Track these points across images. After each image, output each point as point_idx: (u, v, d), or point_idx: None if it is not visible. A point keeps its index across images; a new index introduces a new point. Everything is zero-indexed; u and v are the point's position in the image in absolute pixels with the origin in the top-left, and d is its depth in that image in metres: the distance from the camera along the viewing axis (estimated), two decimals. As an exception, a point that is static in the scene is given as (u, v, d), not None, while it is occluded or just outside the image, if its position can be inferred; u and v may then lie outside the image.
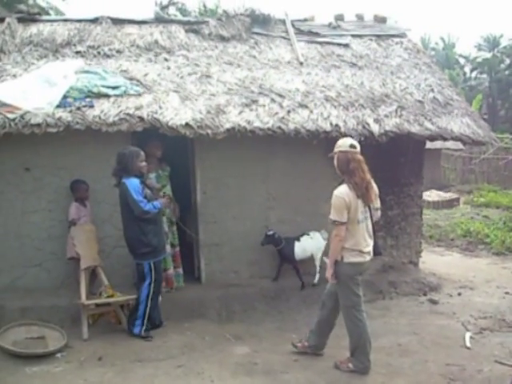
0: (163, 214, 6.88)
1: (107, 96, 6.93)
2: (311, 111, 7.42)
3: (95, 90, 6.93)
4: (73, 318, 6.48)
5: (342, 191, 5.15)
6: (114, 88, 7.05)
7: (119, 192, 6.06)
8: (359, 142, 6.96)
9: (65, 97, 6.75)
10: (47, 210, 7.12)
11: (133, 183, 5.96)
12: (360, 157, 5.25)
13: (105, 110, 6.69)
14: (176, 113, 6.84)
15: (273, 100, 7.49)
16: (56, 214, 7.13)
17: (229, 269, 7.80)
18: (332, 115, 7.41)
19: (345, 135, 7.05)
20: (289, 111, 7.32)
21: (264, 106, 7.34)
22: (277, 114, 7.23)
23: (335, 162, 5.28)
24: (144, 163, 6.15)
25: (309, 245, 7.63)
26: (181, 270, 7.51)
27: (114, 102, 6.88)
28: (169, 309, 6.84)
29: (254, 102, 7.38)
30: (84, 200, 7.02)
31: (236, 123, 6.90)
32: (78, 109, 6.62)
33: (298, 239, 7.60)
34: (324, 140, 7.31)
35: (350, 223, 5.15)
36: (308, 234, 7.65)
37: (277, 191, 7.81)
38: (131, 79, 7.43)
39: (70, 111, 6.58)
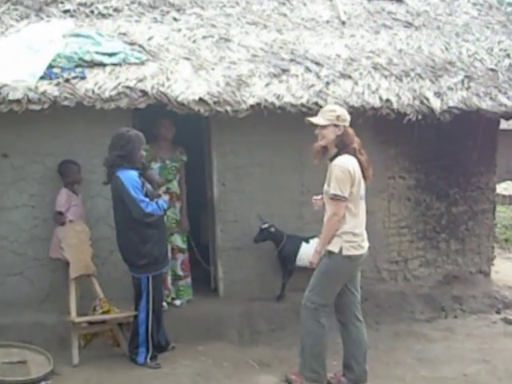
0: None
1: (102, 65, 6.89)
2: (356, 83, 7.42)
3: (87, 57, 6.87)
4: (60, 339, 6.49)
5: (347, 161, 5.28)
6: (110, 55, 6.99)
7: (111, 188, 5.99)
8: (416, 120, 7.31)
9: (50, 66, 6.69)
10: (29, 205, 7.08)
11: (130, 177, 5.84)
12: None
13: (99, 83, 6.64)
14: (187, 85, 6.80)
15: (308, 69, 7.47)
16: (40, 210, 7.08)
17: (253, 279, 7.79)
18: (382, 87, 7.42)
19: (398, 112, 7.24)
20: (328, 83, 7.31)
21: (297, 76, 7.31)
22: (313, 86, 7.20)
23: (332, 135, 5.37)
24: (144, 152, 6.14)
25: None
26: (189, 280, 7.57)
27: (110, 72, 6.83)
28: (179, 328, 6.83)
29: (285, 71, 7.35)
30: (76, 184, 7.04)
31: (262, 98, 6.88)
32: (67, 81, 6.57)
33: (307, 240, 7.50)
34: (372, 119, 7.39)
35: (352, 200, 5.29)
36: (319, 238, 7.49)
37: (313, 183, 7.52)
38: (132, 44, 7.39)
39: (57, 84, 6.52)
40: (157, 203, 5.91)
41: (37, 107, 6.37)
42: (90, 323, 6.35)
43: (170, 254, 7.12)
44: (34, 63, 6.66)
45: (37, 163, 7.08)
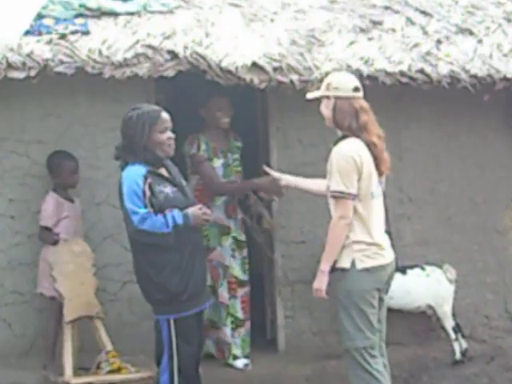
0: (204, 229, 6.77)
1: (113, 14, 7.00)
2: (480, 41, 7.47)
3: (92, 3, 6.96)
4: None
5: (351, 148, 5.30)
6: (125, 0, 7.13)
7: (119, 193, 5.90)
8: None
9: (40, 17, 6.75)
10: (8, 215, 7.03)
11: (130, 176, 5.61)
12: (366, 103, 5.49)
13: (109, 40, 6.67)
14: (235, 45, 6.85)
15: (410, 21, 7.60)
16: (23, 223, 7.04)
17: (327, 326, 7.61)
18: None
19: None
20: (439, 41, 7.37)
21: (394, 31, 7.42)
22: (417, 45, 7.26)
23: (327, 111, 5.50)
24: (168, 134, 5.79)
25: (419, 286, 7.50)
26: (249, 325, 7.45)
27: (125, 25, 6.91)
28: None
29: (376, 24, 7.47)
30: (69, 188, 6.94)
31: (343, 63, 6.87)
32: (63, 37, 6.60)
33: (404, 271, 7.37)
34: (503, 94, 7.38)
35: (360, 199, 5.30)
36: (422, 268, 7.54)
37: (416, 187, 7.66)
38: None
39: (49, 42, 6.54)
40: (164, 216, 5.62)
41: (20, 75, 6.37)
42: (93, 386, 6.47)
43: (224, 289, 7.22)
44: (16, 12, 6.71)
45: (19, 155, 7.02)
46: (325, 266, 5.30)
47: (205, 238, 6.80)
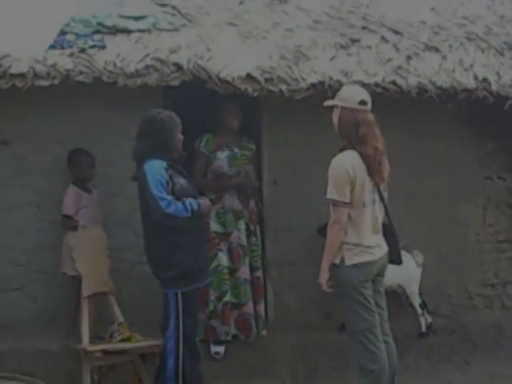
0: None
1: (127, 31, 6.97)
2: (444, 57, 7.43)
3: (109, 21, 6.96)
4: (68, 371, 6.48)
5: (345, 159, 5.34)
6: (137, 19, 7.07)
7: (138, 183, 5.93)
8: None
9: (62, 32, 6.76)
10: (33, 205, 7.09)
11: (154, 169, 5.77)
12: (371, 117, 5.47)
13: (123, 54, 6.69)
14: (232, 58, 6.84)
15: (384, 39, 7.54)
16: (47, 211, 7.07)
17: (311, 302, 7.65)
18: (477, 63, 7.42)
19: (498, 96, 7.20)
20: (409, 57, 7.34)
21: (370, 48, 7.36)
22: (390, 60, 7.23)
23: (335, 119, 5.53)
24: (181, 136, 6.05)
25: (392, 268, 7.18)
26: (262, 309, 7.37)
27: (137, 40, 6.90)
28: (216, 364, 6.83)
29: (355, 41, 7.40)
30: (87, 181, 7.00)
31: (326, 75, 6.86)
32: (83, 51, 6.63)
33: None
34: (464, 104, 7.35)
35: (352, 207, 5.35)
36: None
37: (388, 183, 7.37)
38: (164, 5, 7.45)
39: (71, 54, 6.57)
40: (183, 203, 5.77)
41: (45, 83, 6.39)
42: (106, 353, 6.24)
43: (246, 269, 7.18)
44: (42, 28, 6.71)
45: (44, 152, 7.05)
46: (324, 264, 5.43)
47: (222, 224, 7.02)
